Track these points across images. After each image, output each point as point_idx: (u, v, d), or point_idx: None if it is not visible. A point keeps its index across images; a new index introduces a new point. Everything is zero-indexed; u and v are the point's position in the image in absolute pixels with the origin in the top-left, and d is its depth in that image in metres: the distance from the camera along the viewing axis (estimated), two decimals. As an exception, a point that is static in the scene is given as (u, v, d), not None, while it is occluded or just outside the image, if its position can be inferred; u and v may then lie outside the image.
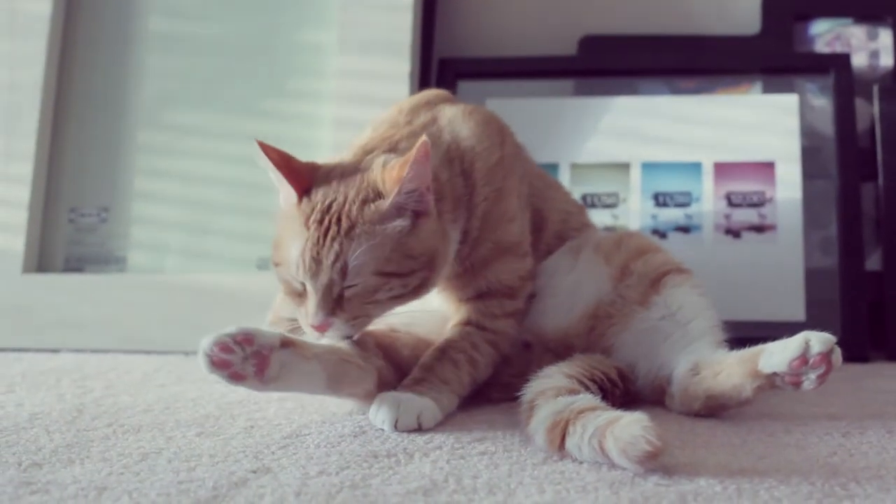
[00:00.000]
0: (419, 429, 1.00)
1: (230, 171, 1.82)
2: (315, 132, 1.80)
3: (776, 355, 0.97)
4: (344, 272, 1.00)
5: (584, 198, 1.77)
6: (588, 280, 1.22)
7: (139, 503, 0.74)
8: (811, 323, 1.61)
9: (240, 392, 1.25)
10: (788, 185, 1.73)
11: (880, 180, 1.75)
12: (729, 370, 1.03)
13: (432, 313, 1.18)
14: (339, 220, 1.01)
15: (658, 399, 1.13)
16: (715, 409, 1.07)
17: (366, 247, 1.00)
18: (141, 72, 1.91)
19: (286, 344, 0.98)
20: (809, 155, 1.75)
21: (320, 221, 1.01)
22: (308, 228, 1.02)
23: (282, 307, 1.28)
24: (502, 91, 1.86)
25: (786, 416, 1.08)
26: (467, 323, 1.15)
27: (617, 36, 1.93)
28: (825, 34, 1.89)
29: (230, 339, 0.93)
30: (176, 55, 1.90)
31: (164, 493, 0.76)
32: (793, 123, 1.76)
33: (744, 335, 1.09)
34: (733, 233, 1.73)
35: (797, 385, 0.97)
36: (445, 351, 1.11)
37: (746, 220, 1.73)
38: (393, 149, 1.11)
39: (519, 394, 1.01)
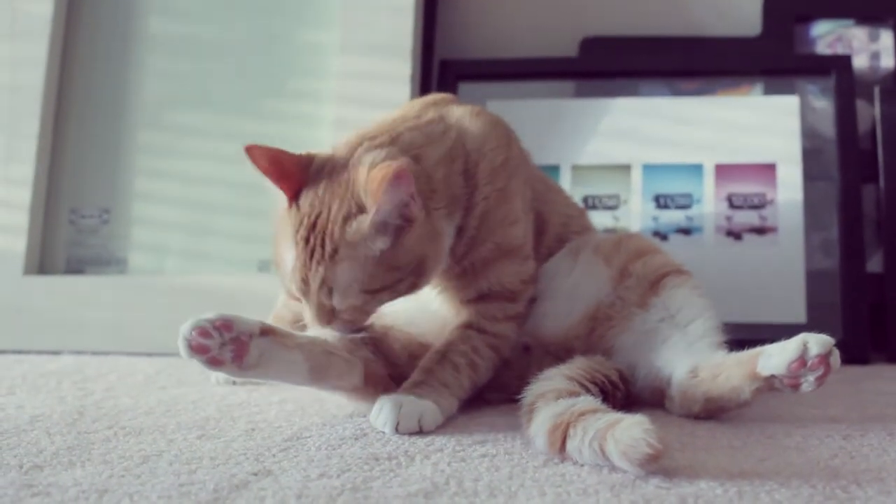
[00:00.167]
0: (420, 431, 1.00)
1: (231, 172, 1.82)
2: (315, 133, 1.80)
3: (774, 357, 0.97)
4: (331, 294, 1.02)
5: (584, 199, 1.77)
6: (588, 282, 1.22)
7: (140, 506, 0.74)
8: (812, 325, 1.61)
9: (240, 394, 1.25)
10: (789, 187, 1.73)
11: (881, 182, 1.75)
12: (727, 372, 1.03)
13: (431, 315, 1.19)
14: (322, 241, 1.01)
15: (658, 401, 1.13)
16: (714, 411, 1.06)
17: (349, 270, 1.01)
18: (142, 73, 1.91)
19: (266, 332, 0.99)
20: (810, 157, 1.75)
21: (306, 240, 1.02)
22: (297, 245, 1.03)
23: (284, 309, 1.29)
24: (503, 93, 1.86)
25: (786, 419, 1.08)
26: (468, 326, 1.15)
27: (618, 37, 1.93)
28: (826, 36, 1.89)
29: (209, 324, 0.94)
30: (177, 56, 1.91)
31: (164, 495, 0.76)
32: (794, 125, 1.76)
33: (745, 337, 1.09)
34: (734, 235, 1.73)
35: (796, 387, 0.97)
36: (446, 354, 1.11)
37: (747, 221, 1.73)
38: (393, 141, 1.10)
39: (519, 396, 1.01)
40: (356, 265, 1.01)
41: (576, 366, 1.08)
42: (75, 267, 1.85)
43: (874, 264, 1.75)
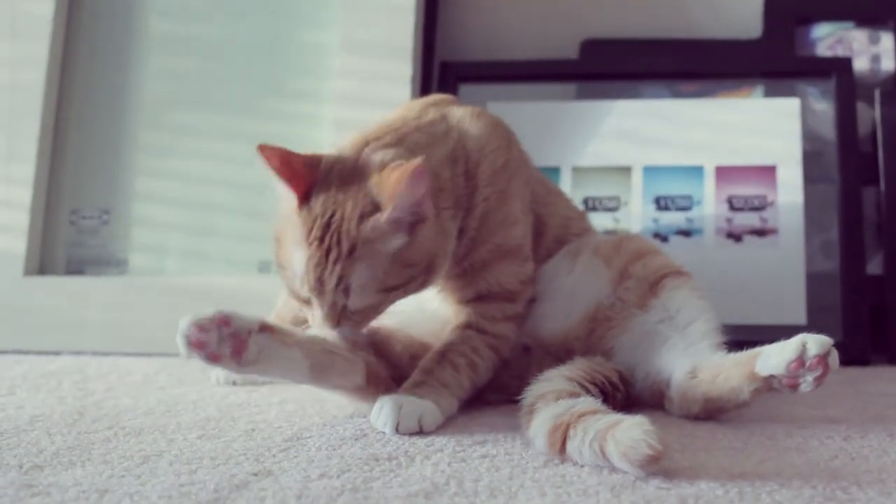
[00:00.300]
0: (420, 432, 1.00)
1: (232, 172, 1.82)
2: (316, 132, 1.80)
3: (773, 358, 0.97)
4: (347, 293, 1.02)
5: (585, 201, 1.78)
6: (587, 283, 1.22)
7: (140, 505, 0.74)
8: (812, 327, 1.60)
9: (240, 395, 1.25)
10: (790, 189, 1.74)
11: (881, 184, 1.75)
12: (726, 373, 1.03)
13: (430, 315, 1.19)
14: (339, 240, 1.01)
15: (657, 402, 1.13)
16: (713, 412, 1.06)
17: (367, 269, 1.01)
18: (142, 73, 1.91)
19: (265, 329, 0.99)
20: (811, 159, 1.75)
21: (321, 239, 1.01)
22: (310, 245, 1.02)
23: (284, 308, 1.29)
24: (504, 94, 1.86)
25: (786, 420, 1.08)
26: (467, 326, 1.15)
27: (618, 40, 1.94)
28: (827, 38, 1.89)
29: (207, 320, 0.94)
30: (178, 56, 1.91)
31: (165, 495, 0.76)
32: (794, 127, 1.76)
33: (745, 339, 1.09)
34: (735, 236, 1.73)
35: (794, 387, 0.97)
36: (445, 354, 1.11)
37: (748, 223, 1.73)
38: (400, 141, 1.10)
39: (519, 397, 1.01)
40: (373, 263, 1.01)
41: (576, 367, 1.09)
42: (75, 267, 1.85)
43: (874, 266, 1.75)
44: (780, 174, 1.75)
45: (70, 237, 1.87)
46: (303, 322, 1.09)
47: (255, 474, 0.83)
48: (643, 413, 0.86)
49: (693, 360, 1.08)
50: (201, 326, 0.94)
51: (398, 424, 0.99)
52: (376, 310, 1.05)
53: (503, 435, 0.99)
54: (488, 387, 1.16)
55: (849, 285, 1.67)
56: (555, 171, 1.79)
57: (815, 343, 0.95)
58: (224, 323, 0.95)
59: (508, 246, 1.17)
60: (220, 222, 1.82)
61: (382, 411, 1.01)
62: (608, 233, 1.68)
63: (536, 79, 1.87)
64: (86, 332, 1.73)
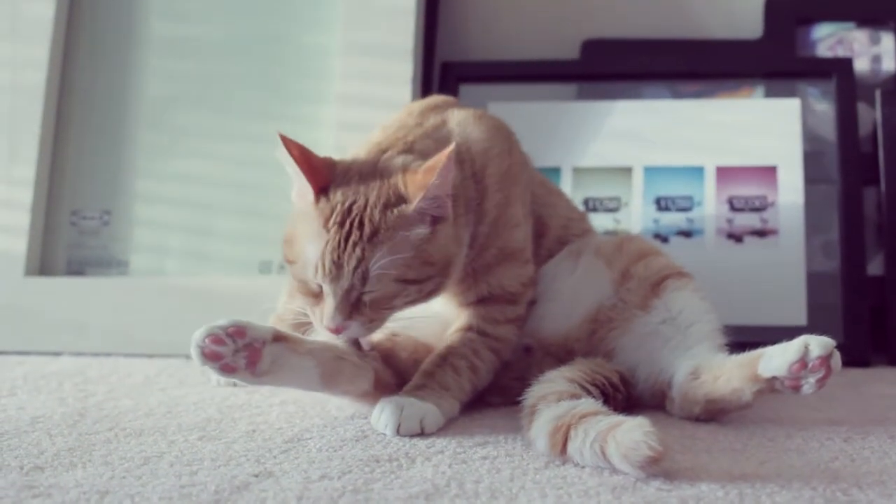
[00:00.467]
0: (421, 433, 1.00)
1: (232, 173, 1.82)
2: (317, 134, 1.80)
3: (776, 359, 0.97)
4: (365, 278, 1.00)
5: (585, 202, 1.77)
6: (588, 284, 1.22)
7: (141, 507, 0.74)
8: (813, 327, 1.61)
9: (241, 396, 1.25)
10: (790, 190, 1.73)
11: (882, 185, 1.75)
12: (728, 374, 1.03)
13: (432, 317, 1.18)
14: (360, 224, 1.00)
15: (659, 403, 1.13)
16: (715, 413, 1.07)
17: (388, 254, 1.00)
18: (143, 74, 1.91)
19: (279, 338, 0.99)
20: (811, 159, 1.75)
21: (341, 224, 1.00)
22: (328, 230, 1.01)
23: (286, 310, 1.29)
24: (504, 95, 1.86)
25: (787, 421, 1.08)
26: (469, 329, 1.15)
27: (619, 40, 1.94)
28: (827, 38, 1.89)
29: (222, 331, 0.94)
30: (178, 58, 1.91)
31: (165, 496, 0.76)
32: (795, 128, 1.76)
33: (745, 339, 1.09)
34: (735, 237, 1.73)
35: (797, 389, 0.97)
36: (447, 357, 1.11)
37: (748, 224, 1.73)
38: (409, 149, 1.11)
39: (520, 398, 1.01)
40: (395, 250, 1.00)
41: (577, 368, 1.09)
42: (76, 268, 1.85)
43: (875, 267, 1.75)
44: (781, 175, 1.74)
45: (71, 238, 1.87)
46: (303, 326, 1.08)
47: (256, 475, 0.83)
48: (644, 414, 0.86)
49: (695, 362, 1.08)
50: (216, 338, 0.93)
51: (399, 426, 0.99)
52: (389, 304, 1.03)
53: (504, 436, 0.99)
54: (490, 389, 1.16)
55: (849, 286, 1.67)
56: (555, 171, 1.79)
57: (818, 345, 0.95)
58: (238, 334, 0.95)
59: (510, 249, 1.17)
60: (220, 223, 1.82)
61: (383, 413, 1.01)
62: (608, 233, 1.68)
63: (537, 79, 1.87)
64: (86, 333, 1.73)
